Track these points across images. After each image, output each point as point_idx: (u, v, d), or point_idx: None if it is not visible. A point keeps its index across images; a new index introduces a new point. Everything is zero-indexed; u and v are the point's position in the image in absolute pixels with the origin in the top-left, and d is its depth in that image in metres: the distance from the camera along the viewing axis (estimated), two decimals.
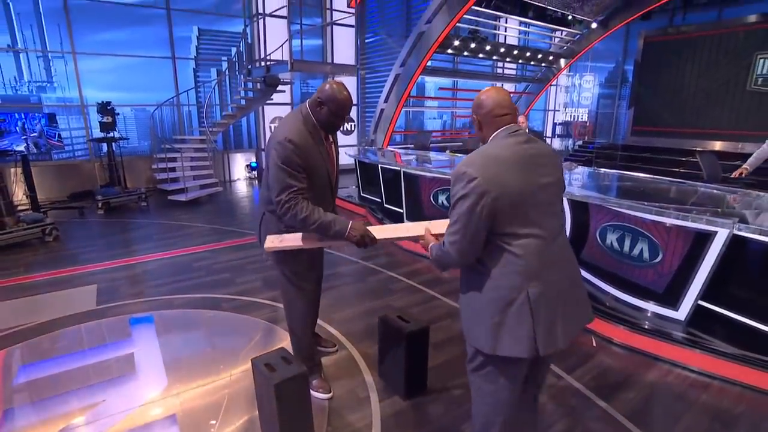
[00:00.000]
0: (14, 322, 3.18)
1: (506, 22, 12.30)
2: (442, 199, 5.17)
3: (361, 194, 7.20)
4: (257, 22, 8.32)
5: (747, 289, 2.85)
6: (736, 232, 2.56)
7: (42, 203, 6.44)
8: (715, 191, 3.58)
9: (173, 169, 7.61)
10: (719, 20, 11.36)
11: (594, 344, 2.94)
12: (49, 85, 7.58)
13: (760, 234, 2.49)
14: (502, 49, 11.67)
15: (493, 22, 11.89)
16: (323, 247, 2.12)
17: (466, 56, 11.48)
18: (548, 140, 15.17)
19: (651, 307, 3.06)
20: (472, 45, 10.81)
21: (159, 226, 5.97)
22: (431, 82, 13.12)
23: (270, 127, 9.85)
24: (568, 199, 3.71)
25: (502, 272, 1.41)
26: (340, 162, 2.36)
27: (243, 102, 8.06)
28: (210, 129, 7.95)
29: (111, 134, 6.82)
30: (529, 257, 1.39)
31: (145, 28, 8.20)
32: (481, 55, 11.47)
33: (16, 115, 5.86)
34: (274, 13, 7.60)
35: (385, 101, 10.28)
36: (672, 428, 2.17)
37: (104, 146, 7.15)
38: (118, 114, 6.90)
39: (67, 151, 7.78)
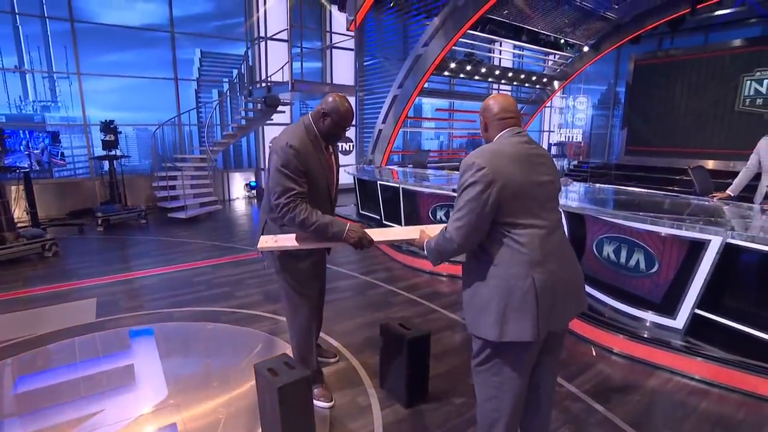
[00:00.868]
0: (13, 334, 3.17)
1: (501, 46, 12.66)
2: (440, 214, 5.24)
3: (360, 211, 7.27)
4: (258, 45, 8.55)
5: (741, 297, 2.88)
6: (729, 240, 2.62)
7: (41, 220, 6.46)
8: (707, 203, 3.66)
9: (173, 187, 7.67)
10: (706, 44, 11.77)
11: (594, 354, 2.95)
12: (53, 104, 7.71)
13: (752, 242, 2.55)
14: (497, 72, 12.00)
15: (488, 46, 12.24)
16: (318, 247, 2.12)
17: (462, 78, 11.78)
18: None
19: (649, 316, 3.09)
20: (468, 67, 11.11)
21: (158, 242, 5.99)
22: (428, 104, 13.39)
23: (270, 147, 9.98)
24: (564, 211, 3.78)
25: (508, 260, 1.49)
26: (339, 180, 2.41)
27: (243, 122, 8.21)
28: (210, 148, 8.07)
29: (113, 152, 6.91)
30: (532, 246, 1.48)
31: (149, 51, 8.41)
32: (476, 77, 11.77)
33: (21, 134, 5.96)
34: (275, 37, 7.82)
35: (384, 122, 10.46)
36: None
37: (105, 164, 7.23)
38: (121, 132, 7.00)
39: (68, 169, 7.86)
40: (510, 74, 12.28)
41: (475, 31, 10.36)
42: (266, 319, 3.47)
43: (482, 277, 1.54)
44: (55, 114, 7.71)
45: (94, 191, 7.80)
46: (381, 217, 6.38)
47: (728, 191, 3.98)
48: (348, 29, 9.57)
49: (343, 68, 10.68)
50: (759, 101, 10.11)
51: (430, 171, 7.29)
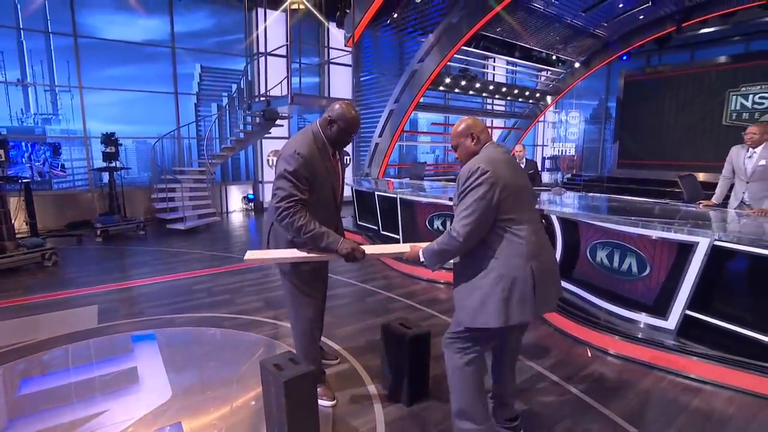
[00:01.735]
0: (15, 339, 3.19)
1: (494, 62, 12.97)
2: (437, 224, 5.33)
3: (358, 222, 7.35)
4: (257, 60, 8.73)
5: (729, 298, 2.98)
6: (715, 242, 2.72)
7: (40, 232, 6.48)
8: (695, 209, 3.79)
9: (172, 199, 7.74)
10: (692, 61, 12.14)
11: (589, 355, 3.02)
12: (54, 117, 7.79)
13: (737, 243, 2.66)
14: (491, 87, 12.27)
15: (482, 62, 12.54)
16: (307, 260, 2.18)
17: (457, 93, 12.04)
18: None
19: (643, 318, 3.17)
20: (463, 82, 11.37)
21: (158, 252, 6.02)
22: (424, 118, 13.61)
23: (268, 160, 10.10)
24: (559, 218, 3.89)
25: (509, 253, 1.69)
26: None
27: (242, 135, 8.33)
28: (210, 161, 8.16)
29: (114, 164, 6.98)
30: (529, 239, 1.70)
31: (150, 65, 8.56)
32: (471, 92, 12.03)
33: (24, 146, 6.03)
34: (274, 52, 8.01)
35: (380, 135, 10.63)
36: (667, 428, 2.23)
37: (105, 176, 7.29)
38: (121, 145, 7.08)
39: (67, 181, 7.90)
40: (504, 89, 12.56)
41: (470, 47, 10.65)
42: (267, 324, 3.52)
43: (484, 270, 1.71)
44: (55, 126, 7.79)
45: (93, 203, 7.84)
46: (378, 227, 6.46)
47: (713, 199, 4.14)
48: (346, 45, 9.81)
49: (341, 83, 10.89)
50: (745, 115, 10.41)
51: (426, 182, 7.41)
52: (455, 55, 9.85)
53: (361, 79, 11.35)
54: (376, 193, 6.27)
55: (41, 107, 7.67)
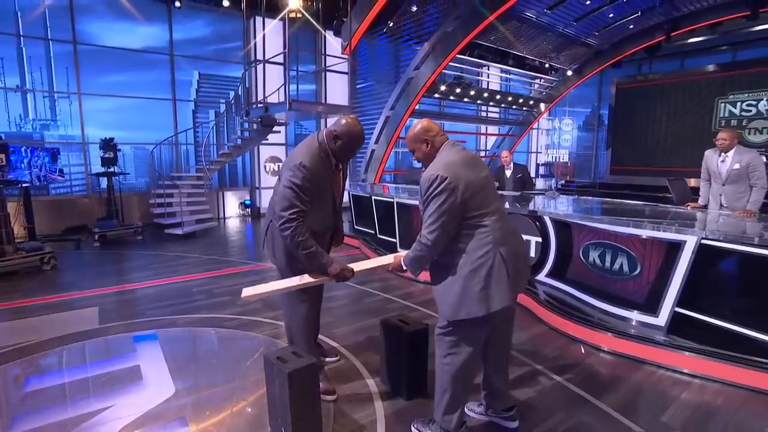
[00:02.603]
0: (15, 340, 3.22)
1: (489, 70, 13.17)
2: None
3: (355, 227, 7.41)
4: (255, 68, 8.84)
5: (716, 295, 3.08)
6: (703, 240, 2.83)
7: (38, 237, 6.49)
8: (683, 210, 3.91)
9: (170, 204, 7.78)
10: (682, 69, 12.40)
11: (583, 351, 3.10)
12: (52, 123, 7.84)
13: (723, 241, 2.77)
14: (486, 94, 12.46)
15: (477, 69, 12.74)
16: (298, 288, 2.24)
17: (452, 100, 12.22)
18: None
19: (634, 315, 3.26)
20: (458, 90, 11.55)
21: (156, 256, 6.05)
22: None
23: (265, 166, 10.18)
24: (552, 219, 3.98)
25: (477, 244, 1.79)
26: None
27: (239, 141, 8.40)
28: (207, 167, 8.22)
29: (112, 169, 7.03)
30: (494, 228, 1.80)
31: (148, 72, 8.64)
32: (466, 100, 12.21)
33: (23, 152, 6.07)
34: (272, 60, 8.11)
35: (376, 142, 10.74)
36: (659, 418, 2.31)
37: (103, 181, 7.33)
38: (120, 150, 7.14)
39: (65, 186, 7.92)
40: (498, 97, 12.75)
41: (464, 55, 10.82)
42: (267, 324, 3.57)
43: (454, 268, 1.80)
44: (54, 132, 7.84)
45: (91, 208, 7.86)
46: (375, 231, 6.53)
47: (699, 201, 4.29)
48: (342, 53, 9.95)
49: (337, 90, 11.01)
50: (733, 122, 10.64)
51: None
52: (450, 63, 10.01)
53: (358, 86, 11.48)
54: (373, 197, 6.36)
55: (40, 113, 7.73)
